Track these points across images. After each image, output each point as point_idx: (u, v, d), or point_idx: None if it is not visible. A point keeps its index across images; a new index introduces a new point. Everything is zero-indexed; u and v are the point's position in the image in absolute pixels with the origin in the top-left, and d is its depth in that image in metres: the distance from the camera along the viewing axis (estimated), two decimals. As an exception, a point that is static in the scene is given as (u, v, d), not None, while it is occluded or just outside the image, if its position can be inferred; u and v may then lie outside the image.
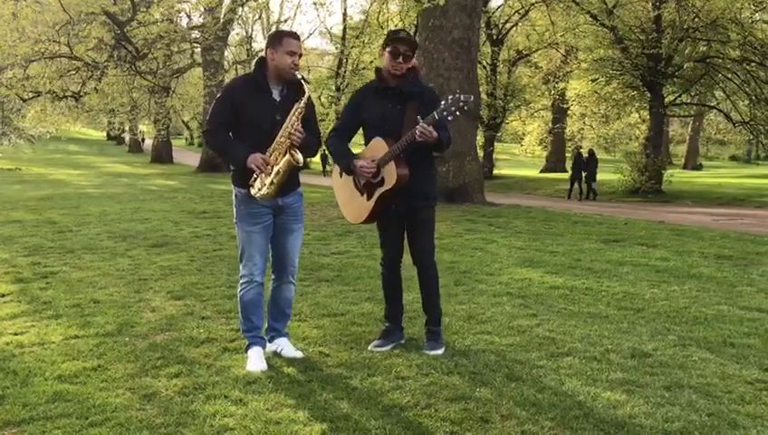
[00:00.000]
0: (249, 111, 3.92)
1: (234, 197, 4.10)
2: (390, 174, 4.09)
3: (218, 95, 4.09)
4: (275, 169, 3.85)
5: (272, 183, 3.86)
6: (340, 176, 4.42)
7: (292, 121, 3.89)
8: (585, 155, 22.22)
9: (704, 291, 6.14)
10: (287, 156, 3.86)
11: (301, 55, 3.98)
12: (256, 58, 4.05)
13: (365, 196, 4.26)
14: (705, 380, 3.83)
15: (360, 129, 4.42)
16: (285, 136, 3.88)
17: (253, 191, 3.91)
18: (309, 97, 3.97)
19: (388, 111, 4.19)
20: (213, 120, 3.99)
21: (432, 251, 4.38)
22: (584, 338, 4.59)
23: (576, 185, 21.72)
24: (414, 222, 4.30)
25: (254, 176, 3.89)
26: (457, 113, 3.94)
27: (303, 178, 4.62)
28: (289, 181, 3.96)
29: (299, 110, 3.91)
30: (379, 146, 4.15)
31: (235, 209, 4.11)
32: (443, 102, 3.95)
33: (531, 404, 3.45)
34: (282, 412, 3.34)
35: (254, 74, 4.00)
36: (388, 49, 4.19)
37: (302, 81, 3.96)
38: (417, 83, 4.30)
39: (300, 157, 3.88)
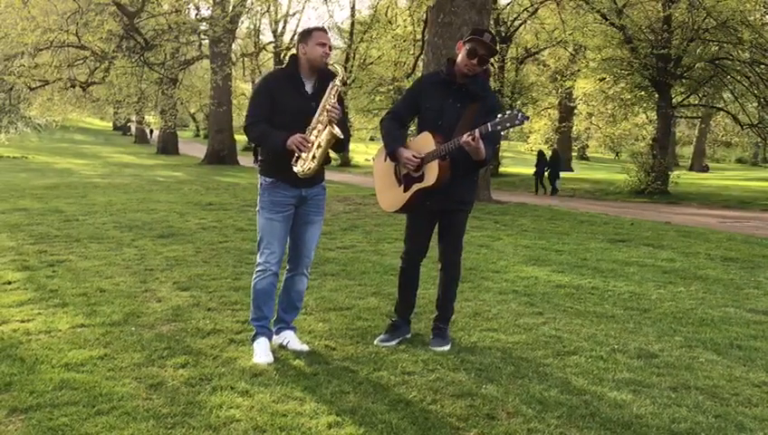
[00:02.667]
0: (284, 101, 3.99)
1: (259, 185, 4.16)
2: (432, 173, 4.05)
3: (255, 88, 4.18)
4: (317, 142, 3.91)
5: (314, 157, 3.92)
6: (384, 160, 4.36)
7: (329, 99, 3.95)
8: (549, 154, 23.93)
9: (710, 293, 6.12)
10: (327, 129, 3.91)
11: (331, 47, 4.03)
12: (290, 55, 4.11)
13: (402, 187, 4.23)
14: (712, 381, 3.82)
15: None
16: (324, 115, 3.93)
17: (296, 169, 3.93)
18: (342, 79, 4.02)
19: (447, 106, 4.14)
20: (252, 112, 4.05)
21: (459, 252, 4.37)
22: (590, 337, 4.59)
23: (540, 181, 23.10)
24: (447, 223, 4.28)
25: (296, 156, 3.92)
26: (511, 129, 3.92)
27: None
28: (319, 169, 4.02)
29: (335, 87, 3.97)
30: (427, 141, 4.10)
31: (258, 198, 4.16)
32: (499, 115, 3.88)
33: (537, 402, 3.45)
34: (288, 405, 3.34)
35: (288, 68, 4.08)
36: (467, 46, 4.12)
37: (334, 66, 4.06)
38: (484, 86, 4.23)
39: (338, 131, 3.91)
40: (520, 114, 3.85)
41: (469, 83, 4.15)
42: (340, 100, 4.10)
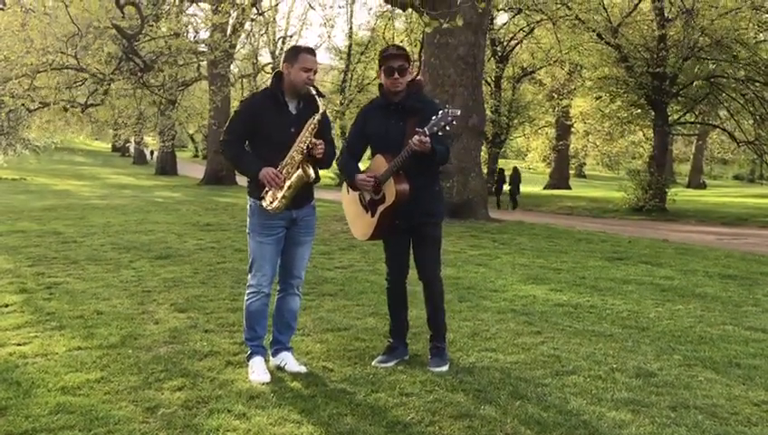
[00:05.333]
0: (266, 124, 4.00)
1: (248, 207, 4.16)
2: (390, 190, 4.12)
3: (238, 108, 4.18)
4: (287, 183, 3.91)
5: (283, 197, 3.92)
6: (348, 192, 4.45)
7: (305, 137, 3.94)
8: (509, 172, 26.23)
9: (709, 310, 6.11)
10: (299, 171, 3.91)
11: (316, 71, 4.03)
12: (274, 72, 4.11)
13: (369, 213, 4.29)
14: (712, 400, 3.81)
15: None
16: (298, 151, 3.94)
17: (264, 204, 3.97)
18: (323, 112, 4.02)
19: (390, 128, 4.21)
20: (229, 132, 4.08)
21: (437, 267, 4.38)
22: (589, 356, 4.58)
23: (499, 196, 25.45)
24: (418, 238, 4.32)
25: (266, 189, 3.94)
26: (447, 128, 3.97)
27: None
28: (302, 194, 4.02)
29: (312, 125, 3.96)
30: (380, 163, 4.18)
31: (248, 220, 4.16)
32: (433, 118, 3.97)
33: (535, 423, 3.43)
34: (285, 427, 3.32)
35: (271, 88, 4.08)
36: (382, 68, 4.21)
37: (317, 95, 4.02)
38: (418, 98, 4.30)
39: (311, 172, 3.94)
40: (450, 111, 3.95)
41: (404, 101, 4.21)
42: (327, 119, 4.11)
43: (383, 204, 4.18)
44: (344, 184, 4.50)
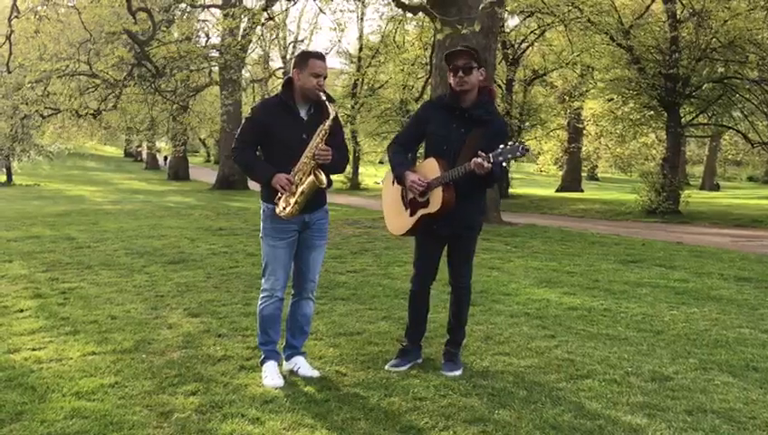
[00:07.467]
0: (277, 130, 4.00)
1: (261, 212, 4.18)
2: (436, 199, 4.06)
3: (248, 115, 4.18)
4: (299, 189, 3.92)
5: (296, 202, 3.93)
6: (393, 184, 4.36)
7: (317, 143, 3.94)
8: None
9: (724, 313, 6.06)
10: (311, 177, 3.91)
11: (326, 76, 4.02)
12: (285, 78, 4.12)
13: (408, 211, 4.24)
14: (729, 404, 3.77)
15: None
16: (309, 157, 3.94)
17: (277, 210, 3.98)
18: (334, 117, 4.01)
19: (452, 133, 4.12)
20: (240, 138, 4.10)
21: (469, 275, 4.35)
22: (603, 360, 4.54)
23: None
24: (454, 246, 4.27)
25: (279, 195, 3.95)
26: (513, 160, 3.91)
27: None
28: (315, 198, 4.02)
29: (323, 131, 3.96)
30: (432, 166, 4.10)
31: (261, 224, 4.18)
32: (501, 146, 3.86)
33: (551, 427, 3.41)
34: (299, 432, 3.32)
35: (281, 95, 4.08)
36: (450, 67, 4.12)
37: (327, 101, 4.00)
38: (488, 110, 4.17)
39: (323, 178, 3.94)
40: (521, 147, 3.85)
41: (472, 108, 4.12)
42: (338, 124, 4.10)
43: (426, 209, 4.12)
44: (387, 174, 4.41)
